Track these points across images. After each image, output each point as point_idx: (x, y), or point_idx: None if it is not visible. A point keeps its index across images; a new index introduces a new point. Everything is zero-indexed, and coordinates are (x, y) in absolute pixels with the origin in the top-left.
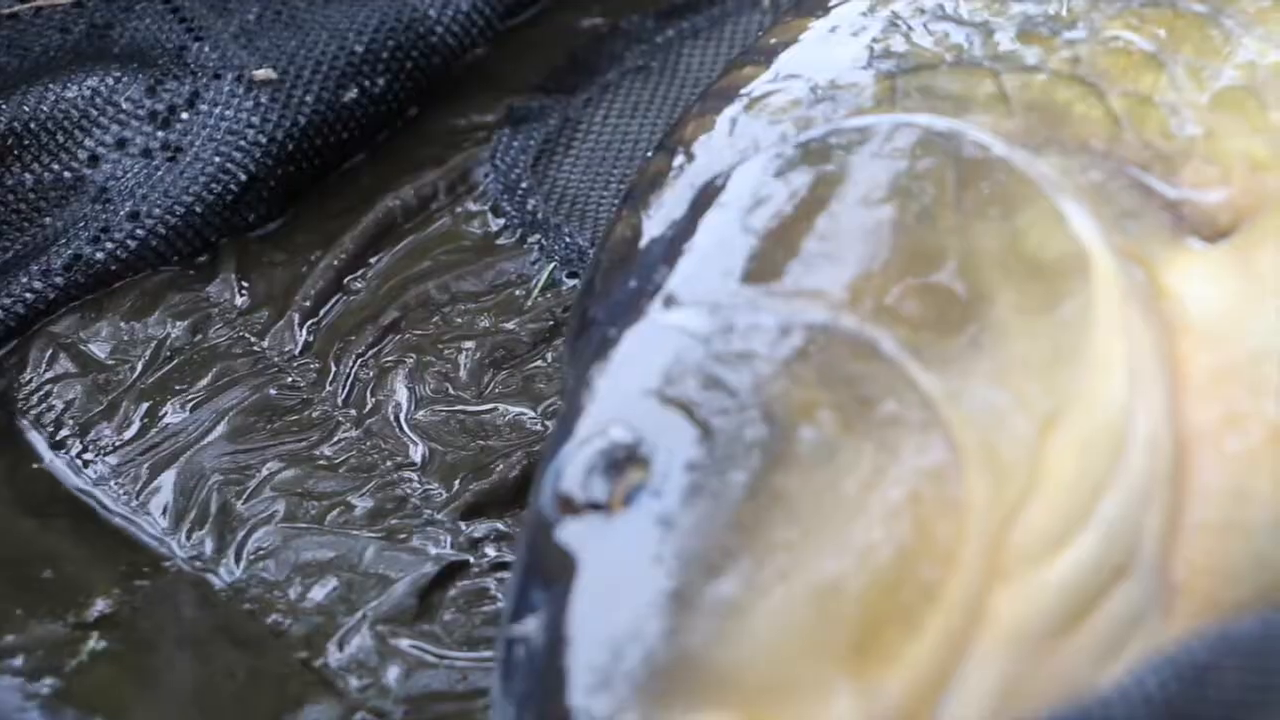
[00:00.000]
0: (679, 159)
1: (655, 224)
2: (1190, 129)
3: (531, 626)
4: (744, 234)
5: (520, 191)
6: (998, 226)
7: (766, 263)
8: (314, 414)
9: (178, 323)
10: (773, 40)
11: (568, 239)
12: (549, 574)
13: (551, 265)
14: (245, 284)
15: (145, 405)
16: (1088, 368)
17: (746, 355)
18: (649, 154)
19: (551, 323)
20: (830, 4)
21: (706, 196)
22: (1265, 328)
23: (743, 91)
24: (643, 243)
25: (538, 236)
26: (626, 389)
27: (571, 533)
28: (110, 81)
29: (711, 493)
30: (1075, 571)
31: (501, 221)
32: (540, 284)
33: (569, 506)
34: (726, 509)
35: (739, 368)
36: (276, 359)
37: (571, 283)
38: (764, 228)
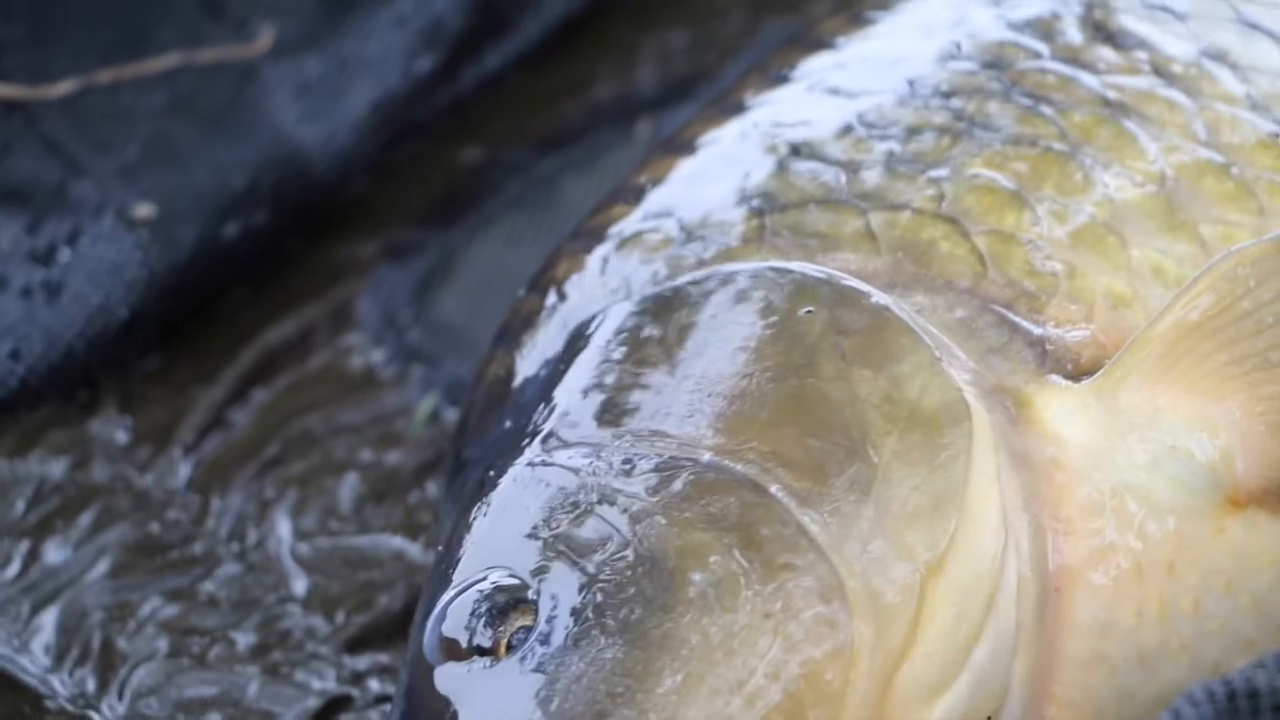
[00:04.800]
0: (551, 298)
1: (530, 364)
2: (1053, 266)
3: None
4: (624, 376)
5: (401, 323)
6: (878, 375)
7: (648, 405)
8: (196, 549)
9: (59, 460)
10: (642, 178)
11: (449, 370)
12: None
13: (433, 396)
14: (127, 420)
15: (26, 544)
16: (965, 516)
17: (630, 498)
18: (521, 292)
19: (434, 454)
20: (698, 142)
21: (583, 337)
22: (1128, 463)
23: (613, 230)
24: (517, 383)
25: (419, 368)
26: (508, 532)
27: (456, 678)
28: None
29: (598, 637)
30: (951, 717)
31: (383, 354)
32: (422, 416)
33: (453, 652)
34: (614, 653)
35: (624, 510)
36: (158, 495)
37: (454, 414)
38: (643, 370)
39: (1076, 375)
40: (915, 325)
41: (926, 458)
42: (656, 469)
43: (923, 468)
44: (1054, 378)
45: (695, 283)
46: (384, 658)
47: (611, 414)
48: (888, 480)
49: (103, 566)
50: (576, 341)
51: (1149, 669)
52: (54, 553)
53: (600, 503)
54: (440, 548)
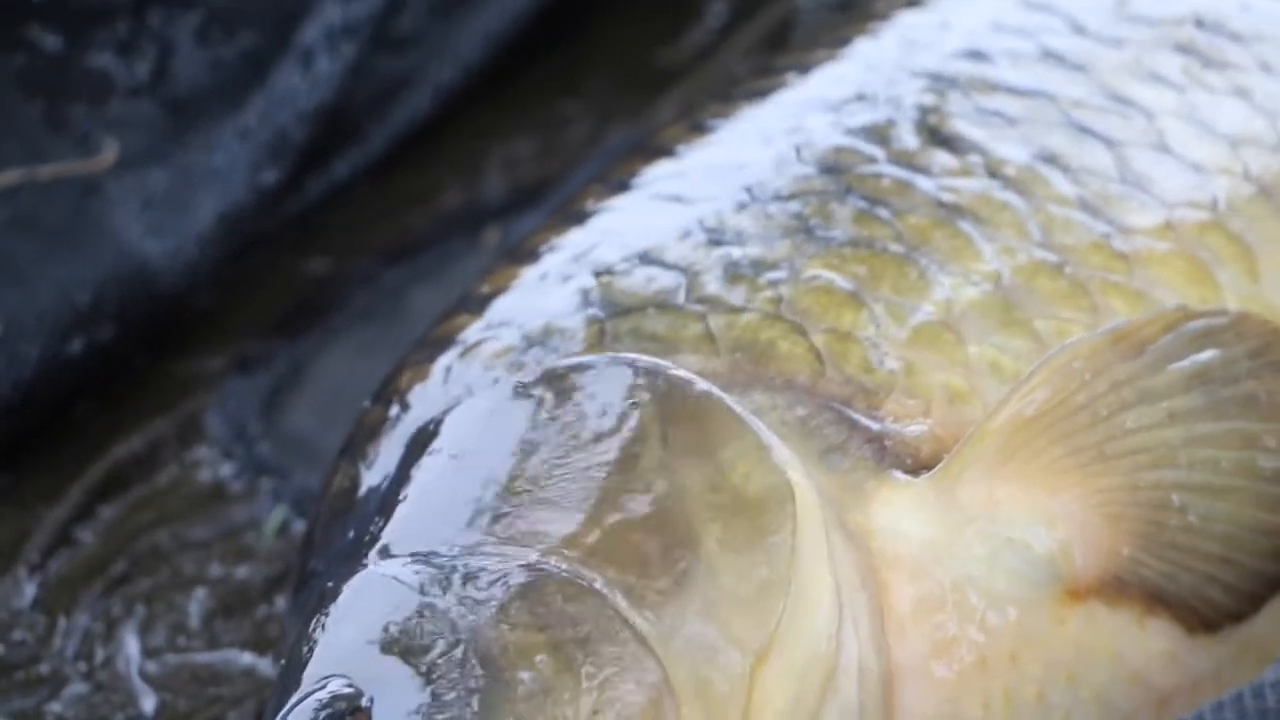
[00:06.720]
0: (395, 409)
1: (373, 475)
2: (890, 364)
3: None
4: (456, 481)
5: (250, 436)
6: (702, 463)
7: (478, 509)
8: (42, 669)
9: None
10: (485, 288)
11: (299, 482)
12: None
13: (282, 509)
14: None
15: None
16: (795, 601)
17: (462, 601)
18: (366, 403)
19: (283, 567)
20: (540, 250)
21: (419, 444)
22: (968, 556)
23: (457, 339)
24: (361, 493)
25: (268, 480)
26: (346, 641)
27: None
28: None
29: None
30: None
31: (231, 467)
32: (271, 528)
33: None
34: None
35: (455, 615)
36: (3, 615)
37: (304, 526)
38: (475, 474)
39: (916, 470)
40: (740, 411)
41: (751, 543)
42: (485, 573)
43: (747, 553)
44: (894, 473)
45: (524, 384)
46: None
47: (443, 521)
48: (713, 568)
49: None
50: (411, 450)
51: None
52: None
53: (432, 610)
54: (283, 660)
